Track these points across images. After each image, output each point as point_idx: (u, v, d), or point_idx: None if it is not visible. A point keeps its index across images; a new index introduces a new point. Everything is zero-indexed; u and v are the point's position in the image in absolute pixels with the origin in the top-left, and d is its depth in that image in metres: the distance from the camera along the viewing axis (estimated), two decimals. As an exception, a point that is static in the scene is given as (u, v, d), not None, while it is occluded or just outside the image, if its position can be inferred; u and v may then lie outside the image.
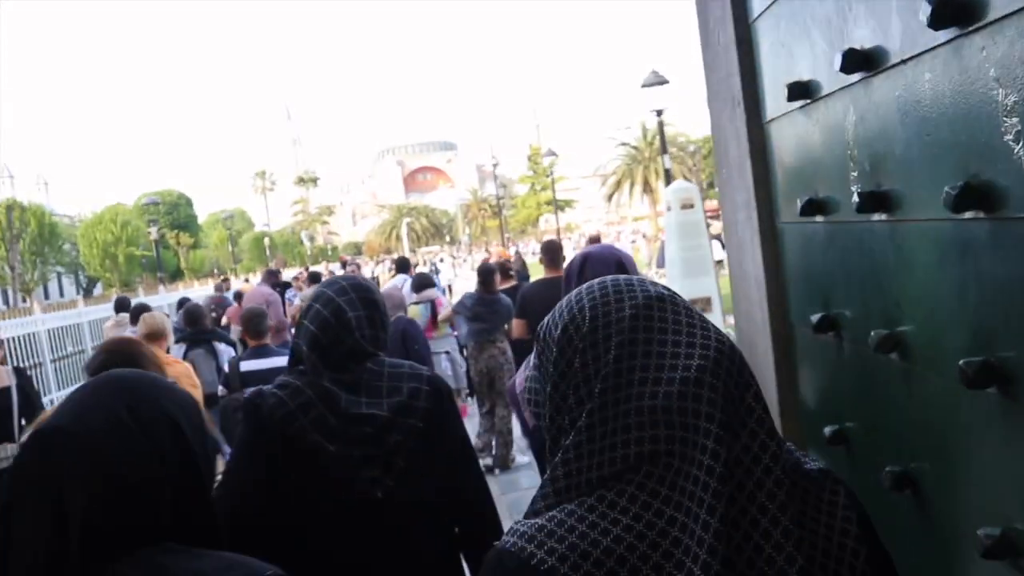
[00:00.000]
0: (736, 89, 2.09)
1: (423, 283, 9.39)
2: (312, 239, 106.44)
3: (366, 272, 51.71)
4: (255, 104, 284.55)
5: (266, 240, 79.90)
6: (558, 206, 30.15)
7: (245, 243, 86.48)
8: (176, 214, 71.18)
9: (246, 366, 5.96)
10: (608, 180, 72.48)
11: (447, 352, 8.75)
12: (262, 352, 6.11)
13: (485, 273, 8.45)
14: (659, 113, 13.16)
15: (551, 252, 7.34)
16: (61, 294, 63.93)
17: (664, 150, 13.22)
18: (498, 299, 8.07)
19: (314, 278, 10.92)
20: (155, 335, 5.57)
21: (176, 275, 58.75)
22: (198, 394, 5.09)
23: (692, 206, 10.10)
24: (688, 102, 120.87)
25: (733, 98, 2.11)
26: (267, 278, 10.90)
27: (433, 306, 8.83)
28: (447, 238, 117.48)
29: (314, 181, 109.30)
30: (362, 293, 2.30)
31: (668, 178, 13.36)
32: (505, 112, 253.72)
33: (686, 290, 10.15)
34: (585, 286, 1.18)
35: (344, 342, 2.22)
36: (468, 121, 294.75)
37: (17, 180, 78.40)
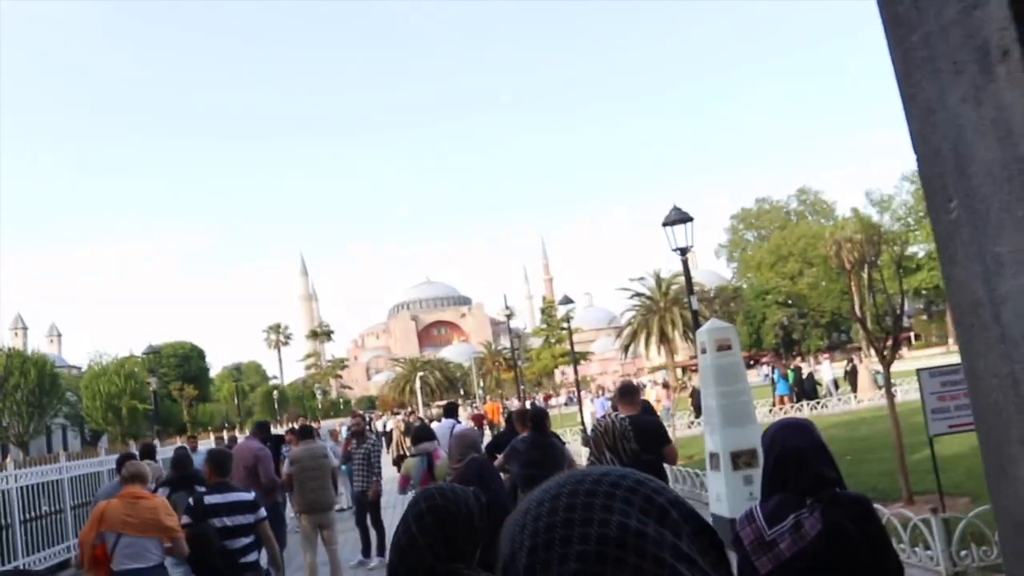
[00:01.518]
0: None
1: (421, 436, 9.21)
2: (325, 393, 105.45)
3: (378, 425, 50.40)
4: (271, 258, 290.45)
5: (275, 393, 79.22)
6: (575, 358, 29.24)
7: (257, 396, 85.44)
8: (188, 367, 70.55)
9: (209, 500, 6.69)
10: (624, 331, 72.03)
11: None
12: (223, 488, 6.87)
13: (538, 416, 8.42)
14: (683, 252, 12.36)
15: (629, 393, 7.25)
16: (65, 447, 62.61)
17: (690, 291, 12.33)
18: (552, 443, 8.06)
19: (305, 432, 9.97)
20: (136, 478, 6.55)
21: (182, 428, 57.46)
22: (174, 522, 6.27)
23: (729, 347, 9.10)
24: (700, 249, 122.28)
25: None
26: (256, 432, 9.91)
27: (430, 459, 8.64)
28: (461, 391, 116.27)
29: (328, 335, 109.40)
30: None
31: (696, 319, 12.38)
32: (519, 268, 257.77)
33: (727, 440, 9.04)
34: (548, 497, 0.94)
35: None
36: (482, 276, 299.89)
37: (31, 331, 78.69)
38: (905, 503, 9.82)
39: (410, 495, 8.18)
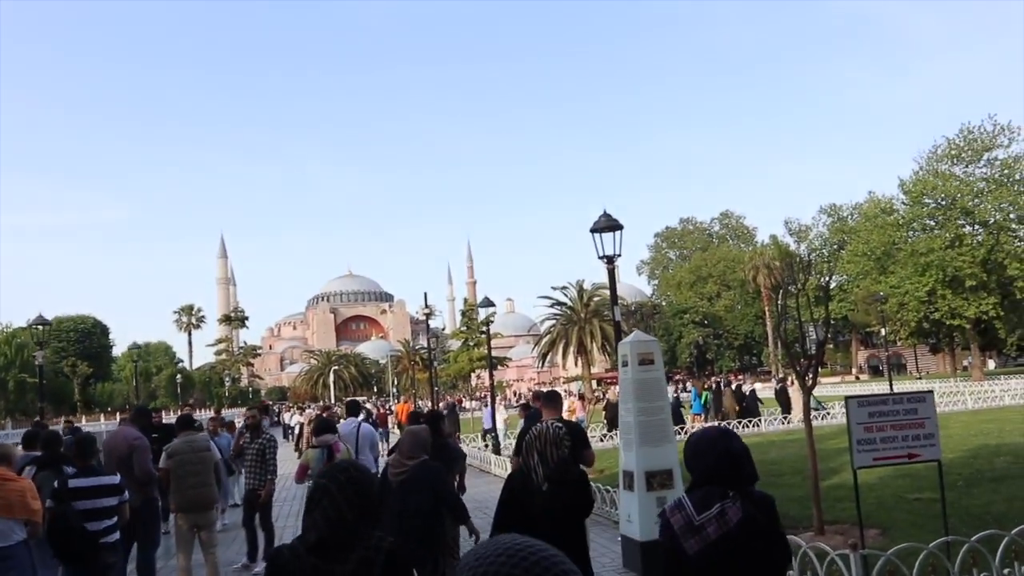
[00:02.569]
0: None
1: (322, 428, 9.53)
2: (235, 380, 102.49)
3: (286, 418, 48.96)
4: (190, 238, 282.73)
5: (179, 377, 76.31)
6: (492, 363, 28.72)
7: (162, 379, 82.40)
8: (88, 343, 67.24)
9: (74, 483, 6.89)
10: (543, 340, 71.87)
11: None
12: (88, 471, 7.09)
13: (433, 419, 8.78)
14: (610, 260, 11.92)
15: (553, 399, 8.00)
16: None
17: (614, 300, 11.90)
18: (445, 444, 8.28)
19: (184, 422, 9.19)
20: (3, 459, 6.59)
21: (74, 407, 54.75)
22: (38, 506, 6.42)
23: (652, 362, 8.70)
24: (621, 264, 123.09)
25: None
26: (135, 419, 8.94)
27: (330, 450, 8.85)
28: (375, 388, 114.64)
29: (242, 321, 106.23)
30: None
31: (618, 330, 11.98)
32: (443, 269, 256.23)
33: (644, 460, 8.62)
34: (491, 552, 1.38)
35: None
36: (406, 274, 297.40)
37: None
38: (816, 533, 9.58)
39: (306, 485, 8.62)
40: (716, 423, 27.62)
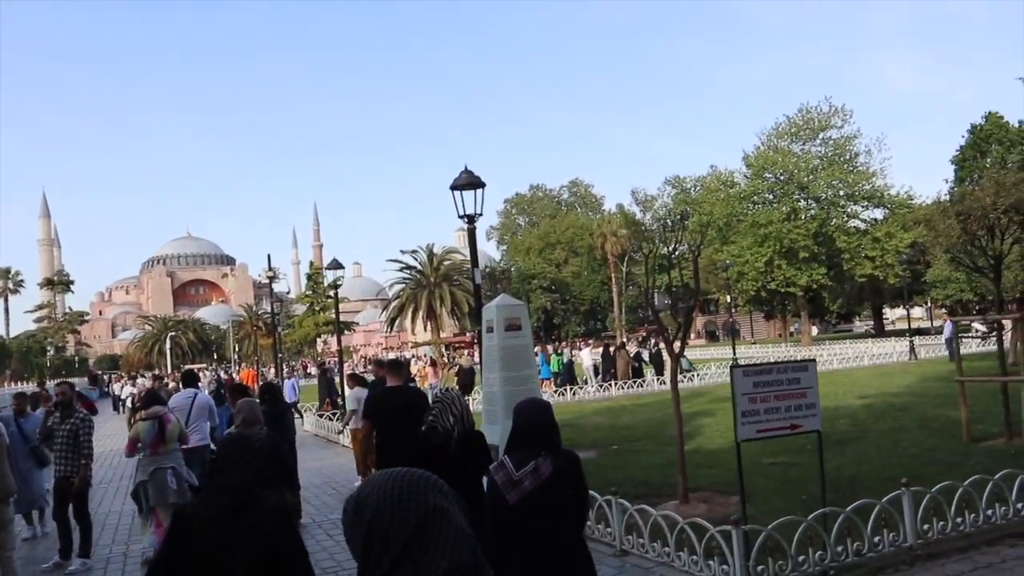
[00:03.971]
0: None
1: (151, 400, 9.37)
2: (59, 349, 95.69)
3: (116, 389, 45.76)
4: (7, 196, 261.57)
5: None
6: (340, 328, 27.55)
7: (-26, 349, 75.70)
8: None
9: None
10: (391, 304, 70.65)
11: (172, 468, 8.66)
12: None
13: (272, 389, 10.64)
14: (471, 219, 11.20)
15: (398, 367, 8.57)
16: None
17: (475, 262, 11.19)
18: (284, 413, 9.81)
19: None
20: None
21: None
22: None
23: (519, 327, 8.08)
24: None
25: None
26: None
27: (161, 422, 8.74)
28: (215, 355, 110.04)
29: (66, 285, 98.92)
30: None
31: (478, 293, 11.33)
32: (288, 232, 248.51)
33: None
34: (390, 477, 1.91)
35: None
36: (249, 237, 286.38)
37: None
38: (680, 501, 9.33)
39: (138, 459, 8.76)
40: (607, 384, 28.07)
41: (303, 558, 3.28)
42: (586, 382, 29.96)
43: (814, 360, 7.26)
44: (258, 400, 9.72)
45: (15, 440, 9.44)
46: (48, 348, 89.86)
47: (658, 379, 28.09)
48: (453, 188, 11.29)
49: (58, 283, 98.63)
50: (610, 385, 28.12)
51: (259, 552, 3.11)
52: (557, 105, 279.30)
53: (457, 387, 28.57)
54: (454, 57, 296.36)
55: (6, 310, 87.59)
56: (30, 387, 37.80)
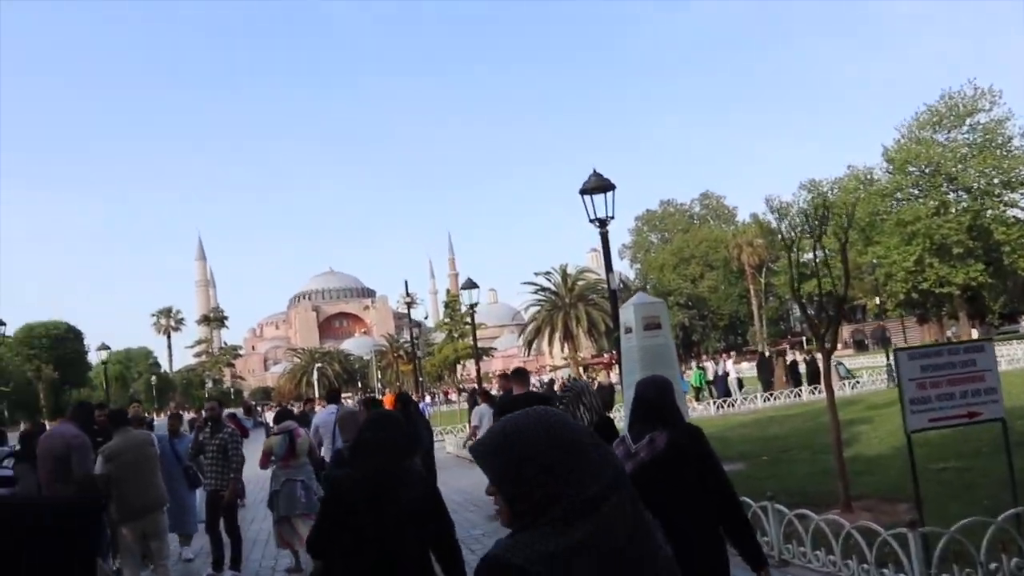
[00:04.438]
0: None
1: (282, 416, 9.88)
2: (216, 382, 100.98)
3: (269, 417, 47.68)
4: (167, 241, 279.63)
5: (153, 379, 74.78)
6: (478, 351, 27.69)
7: (141, 384, 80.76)
8: (62, 349, 65.40)
9: None
10: (528, 327, 70.94)
11: (302, 480, 9.06)
12: None
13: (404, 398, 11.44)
14: (603, 223, 10.91)
15: (521, 374, 8.58)
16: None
17: (609, 266, 10.89)
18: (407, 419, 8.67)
19: (118, 418, 8.37)
20: None
21: (34, 412, 52.99)
22: None
23: (659, 326, 7.70)
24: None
25: None
26: (76, 415, 7.77)
27: (291, 436, 9.11)
28: (359, 384, 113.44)
29: (221, 321, 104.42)
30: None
31: (615, 301, 11.00)
32: (425, 262, 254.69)
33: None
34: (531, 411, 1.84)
35: None
36: (388, 269, 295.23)
37: None
38: (843, 510, 8.66)
39: (271, 471, 9.20)
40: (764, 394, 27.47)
41: (444, 515, 3.83)
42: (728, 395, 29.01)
43: (990, 339, 6.57)
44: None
45: (168, 459, 9.71)
46: (206, 381, 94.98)
47: (813, 388, 26.78)
48: (583, 192, 11.05)
49: (214, 320, 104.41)
50: (769, 395, 27.12)
51: (405, 512, 3.57)
52: (685, 117, 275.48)
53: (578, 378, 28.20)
54: (578, 75, 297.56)
55: (169, 346, 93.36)
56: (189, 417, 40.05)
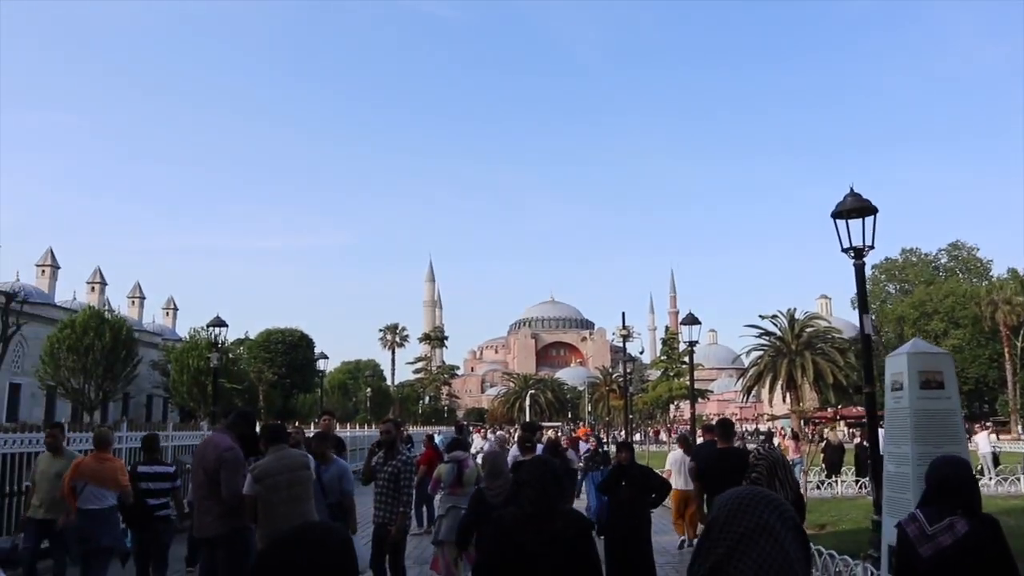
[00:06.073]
0: None
1: (454, 446, 9.96)
2: (433, 398, 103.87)
3: (475, 441, 47.80)
4: (401, 263, 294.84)
5: (368, 391, 77.68)
6: (694, 395, 25.62)
7: (363, 396, 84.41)
8: (295, 355, 69.30)
9: (141, 469, 9.61)
10: (748, 372, 67.13)
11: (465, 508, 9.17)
12: (152, 461, 9.79)
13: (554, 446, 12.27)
14: (859, 254, 8.99)
15: (727, 428, 8.95)
16: (149, 416, 62.26)
17: (864, 307, 8.97)
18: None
19: (274, 435, 6.59)
20: (101, 443, 9.07)
21: (277, 414, 56.06)
22: (125, 480, 8.91)
23: (942, 385, 5.79)
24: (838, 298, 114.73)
25: None
26: (234, 425, 6.83)
27: (459, 466, 9.11)
28: (568, 414, 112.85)
29: (441, 340, 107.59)
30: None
31: (868, 345, 9.03)
32: (645, 297, 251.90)
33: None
34: (739, 491, 2.59)
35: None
36: (608, 303, 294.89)
37: (113, 289, 80.00)
38: None
39: (439, 496, 9.32)
40: None
41: (596, 563, 3.83)
42: (980, 472, 25.07)
43: None
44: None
45: (314, 491, 8.43)
46: (423, 397, 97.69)
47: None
48: (836, 216, 9.22)
49: (434, 338, 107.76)
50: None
51: (560, 552, 3.71)
52: (934, 159, 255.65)
53: (823, 464, 25.37)
54: (818, 110, 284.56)
55: (392, 361, 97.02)
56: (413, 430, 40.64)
